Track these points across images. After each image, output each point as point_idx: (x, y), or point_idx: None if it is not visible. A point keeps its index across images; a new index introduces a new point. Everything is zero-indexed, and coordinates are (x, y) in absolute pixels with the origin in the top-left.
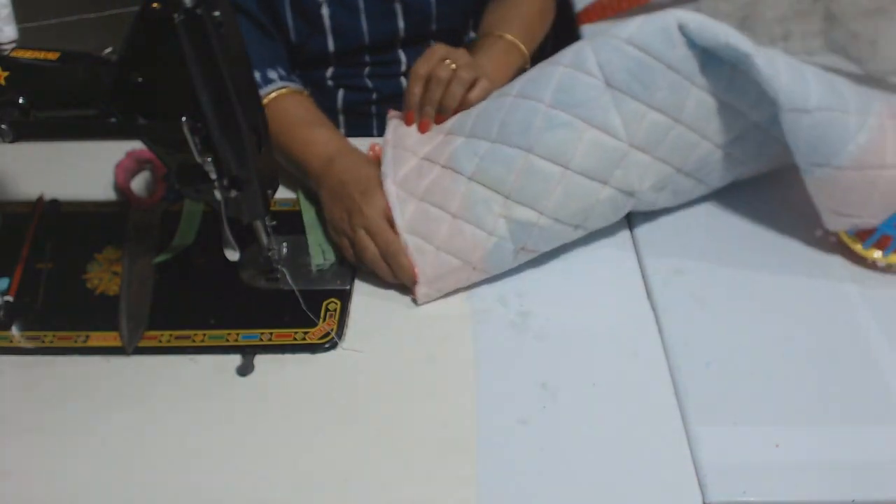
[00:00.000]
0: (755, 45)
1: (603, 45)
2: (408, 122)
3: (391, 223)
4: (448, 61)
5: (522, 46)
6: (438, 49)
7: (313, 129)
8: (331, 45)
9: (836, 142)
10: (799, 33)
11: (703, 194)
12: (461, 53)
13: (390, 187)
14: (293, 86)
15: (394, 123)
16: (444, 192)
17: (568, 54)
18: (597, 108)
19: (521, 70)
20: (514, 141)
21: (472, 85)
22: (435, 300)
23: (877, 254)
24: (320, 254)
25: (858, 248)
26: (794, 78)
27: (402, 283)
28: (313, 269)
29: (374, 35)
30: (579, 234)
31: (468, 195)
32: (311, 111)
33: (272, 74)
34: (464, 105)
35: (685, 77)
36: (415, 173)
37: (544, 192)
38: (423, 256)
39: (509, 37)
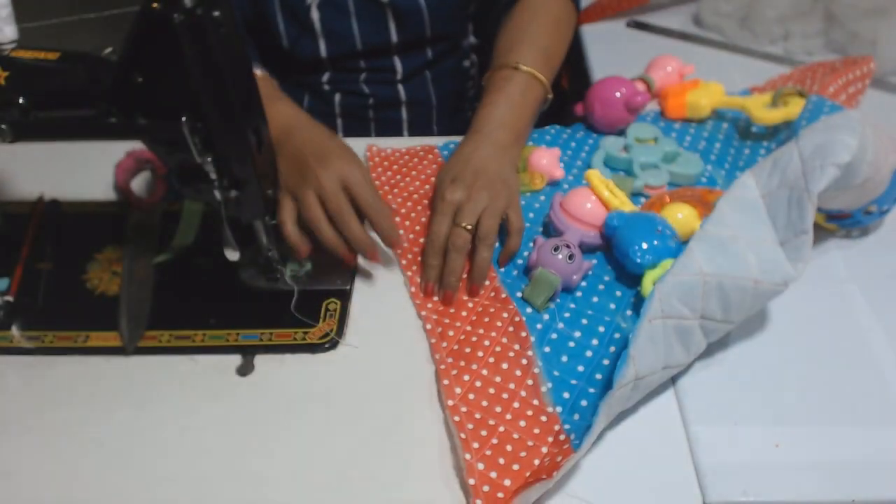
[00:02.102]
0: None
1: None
2: (427, 295)
3: (346, 190)
4: (465, 224)
5: (541, 76)
6: (449, 199)
7: (273, 103)
8: (323, 50)
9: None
10: (799, 33)
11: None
12: (478, 200)
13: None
14: (258, 71)
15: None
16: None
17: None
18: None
19: (542, 104)
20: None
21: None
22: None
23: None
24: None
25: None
26: None
27: (354, 249)
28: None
29: (367, 40)
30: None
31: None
32: (272, 88)
33: None
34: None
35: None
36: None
37: None
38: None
39: (525, 68)
